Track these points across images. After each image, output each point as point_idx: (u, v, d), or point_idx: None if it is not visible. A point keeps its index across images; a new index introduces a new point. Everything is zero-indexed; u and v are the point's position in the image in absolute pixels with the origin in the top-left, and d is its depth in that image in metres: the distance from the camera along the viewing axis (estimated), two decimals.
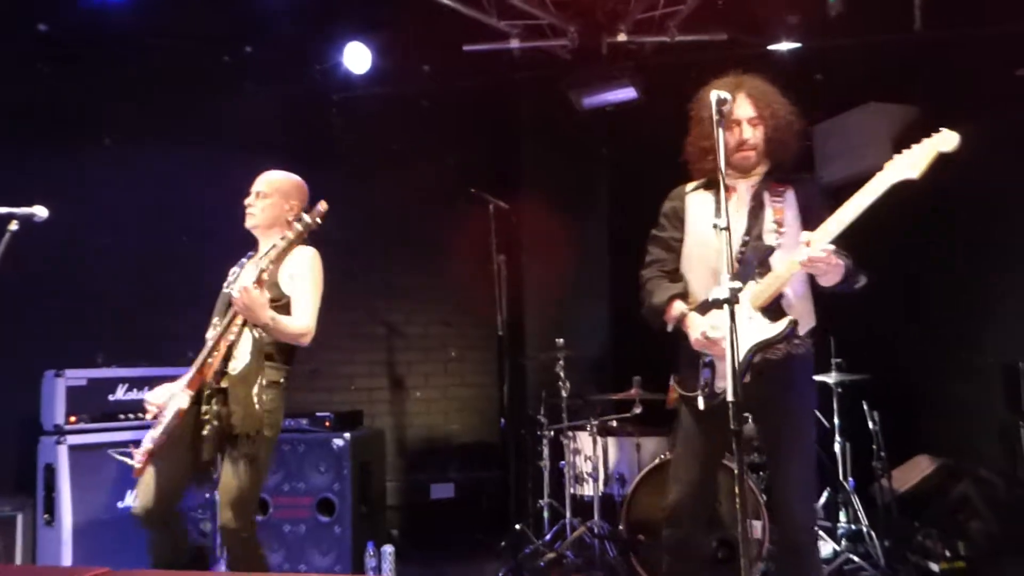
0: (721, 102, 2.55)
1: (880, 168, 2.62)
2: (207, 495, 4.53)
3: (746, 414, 3.15)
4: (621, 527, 4.23)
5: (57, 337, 4.71)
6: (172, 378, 4.67)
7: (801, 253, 2.64)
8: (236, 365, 3.08)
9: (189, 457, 3.06)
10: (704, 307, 2.87)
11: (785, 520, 2.88)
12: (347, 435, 4.51)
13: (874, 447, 4.45)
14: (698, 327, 2.81)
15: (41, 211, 3.02)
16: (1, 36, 4.90)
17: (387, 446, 5.20)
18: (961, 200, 5.13)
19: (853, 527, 4.45)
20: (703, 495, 3.01)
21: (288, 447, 4.54)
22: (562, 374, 4.91)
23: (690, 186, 3.11)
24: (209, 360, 3.08)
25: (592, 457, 4.66)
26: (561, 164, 6.13)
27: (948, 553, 4.36)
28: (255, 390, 3.04)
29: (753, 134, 2.92)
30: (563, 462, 4.88)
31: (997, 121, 4.87)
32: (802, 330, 2.86)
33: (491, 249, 4.65)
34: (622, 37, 5.25)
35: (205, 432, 3.02)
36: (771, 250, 2.81)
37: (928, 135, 2.60)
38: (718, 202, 2.74)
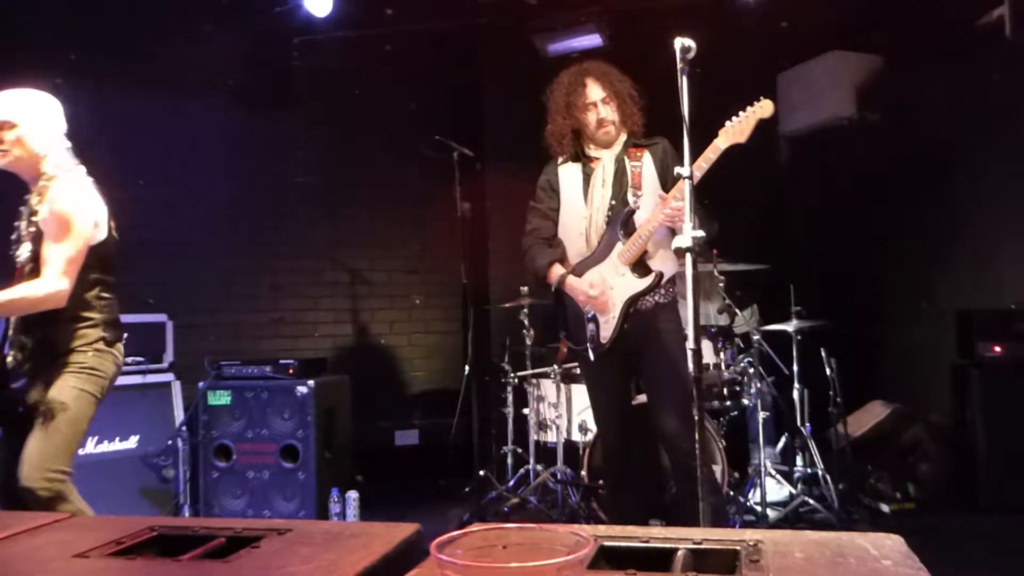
0: (685, 49, 2.53)
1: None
2: (169, 442, 4.53)
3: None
4: (583, 473, 4.30)
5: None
6: (131, 326, 4.63)
7: (658, 211, 3.06)
8: (11, 334, 2.83)
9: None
10: (578, 269, 3.28)
11: (672, 445, 3.18)
12: (311, 382, 4.51)
13: (831, 393, 4.55)
14: (580, 287, 3.23)
15: None
16: None
17: (351, 393, 5.21)
18: (919, 147, 5.20)
19: (809, 471, 4.57)
20: (627, 432, 3.40)
21: (251, 394, 4.54)
22: (526, 322, 4.93)
23: (560, 159, 3.44)
24: None
25: (555, 404, 4.71)
26: (525, 111, 6.02)
27: (899, 495, 4.52)
28: (23, 358, 2.78)
29: (607, 111, 3.28)
30: (527, 409, 4.93)
31: (957, 69, 4.92)
32: (665, 278, 3.23)
33: (455, 196, 4.62)
34: None
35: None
36: (632, 211, 3.22)
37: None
38: (585, 172, 3.33)
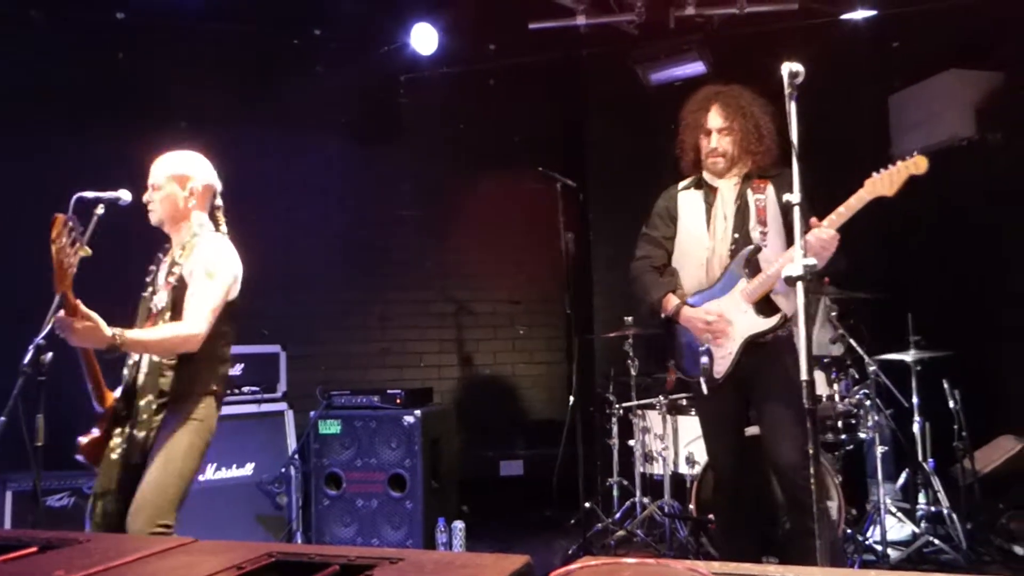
0: (793, 74, 2.49)
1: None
2: (282, 470, 4.67)
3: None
4: (692, 507, 4.21)
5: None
6: (247, 356, 4.78)
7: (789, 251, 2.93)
8: (140, 378, 2.85)
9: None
10: (695, 300, 3.22)
11: (787, 479, 3.07)
12: (418, 412, 4.57)
13: (955, 427, 4.32)
14: (698, 316, 3.16)
15: (126, 195, 3.04)
16: (79, 24, 5.08)
17: (457, 423, 5.26)
18: None
19: (933, 509, 4.34)
20: (739, 465, 3.30)
21: (360, 423, 4.63)
22: (631, 352, 4.89)
23: (681, 185, 3.39)
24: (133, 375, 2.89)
25: (662, 436, 4.64)
26: (629, 140, 6.06)
27: None
28: (143, 403, 2.81)
29: (720, 142, 3.21)
30: (632, 441, 4.87)
31: None
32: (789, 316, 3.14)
33: (558, 227, 4.63)
34: (690, 10, 5.15)
35: (114, 457, 2.81)
36: (757, 249, 3.12)
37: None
38: (712, 199, 3.24)
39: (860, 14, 5.11)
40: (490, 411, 6.15)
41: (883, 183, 2.84)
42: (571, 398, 4.79)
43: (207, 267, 2.87)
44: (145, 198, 3.03)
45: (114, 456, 2.82)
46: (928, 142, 5.33)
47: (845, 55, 5.18)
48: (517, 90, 6.09)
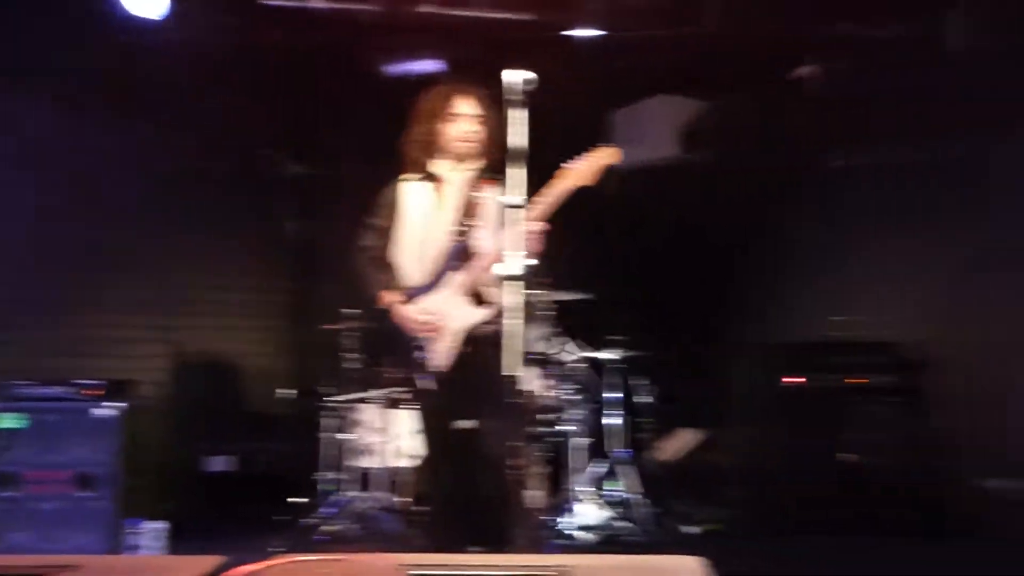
0: (523, 82, 2.60)
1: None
2: None
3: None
4: (405, 499, 4.26)
5: None
6: None
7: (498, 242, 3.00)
8: None
9: None
10: (412, 294, 3.26)
11: (495, 471, 3.14)
12: (117, 404, 4.24)
13: (646, 420, 4.74)
14: (411, 316, 3.21)
15: None
16: None
17: (164, 416, 4.91)
18: (743, 187, 5.58)
19: (621, 495, 4.72)
20: (455, 458, 3.39)
21: (48, 416, 4.19)
22: (351, 345, 4.85)
23: (408, 176, 3.41)
24: None
25: (378, 429, 4.64)
26: (364, 130, 6.00)
27: (706, 517, 4.74)
28: None
29: (473, 128, 3.27)
30: (348, 434, 4.83)
31: (787, 110, 5.34)
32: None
33: (286, 214, 4.50)
34: (429, 8, 5.21)
35: None
36: (473, 244, 3.22)
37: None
38: (437, 192, 3.29)
39: (589, 32, 5.44)
40: (203, 404, 5.79)
41: (577, 172, 3.06)
42: (288, 391, 4.67)
43: None
44: None
45: None
46: (639, 158, 5.79)
47: (573, 70, 5.47)
48: (254, 70, 5.76)
